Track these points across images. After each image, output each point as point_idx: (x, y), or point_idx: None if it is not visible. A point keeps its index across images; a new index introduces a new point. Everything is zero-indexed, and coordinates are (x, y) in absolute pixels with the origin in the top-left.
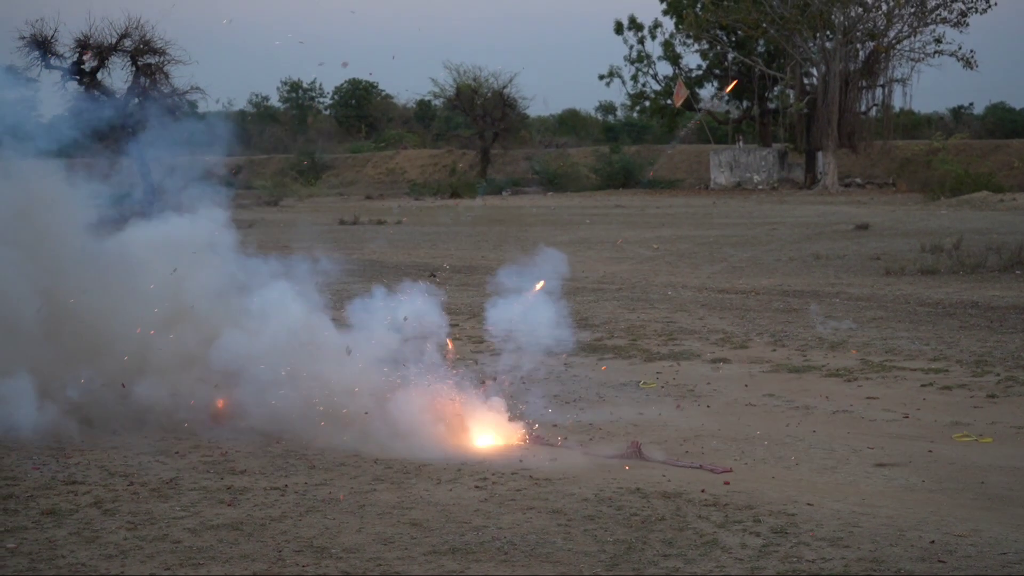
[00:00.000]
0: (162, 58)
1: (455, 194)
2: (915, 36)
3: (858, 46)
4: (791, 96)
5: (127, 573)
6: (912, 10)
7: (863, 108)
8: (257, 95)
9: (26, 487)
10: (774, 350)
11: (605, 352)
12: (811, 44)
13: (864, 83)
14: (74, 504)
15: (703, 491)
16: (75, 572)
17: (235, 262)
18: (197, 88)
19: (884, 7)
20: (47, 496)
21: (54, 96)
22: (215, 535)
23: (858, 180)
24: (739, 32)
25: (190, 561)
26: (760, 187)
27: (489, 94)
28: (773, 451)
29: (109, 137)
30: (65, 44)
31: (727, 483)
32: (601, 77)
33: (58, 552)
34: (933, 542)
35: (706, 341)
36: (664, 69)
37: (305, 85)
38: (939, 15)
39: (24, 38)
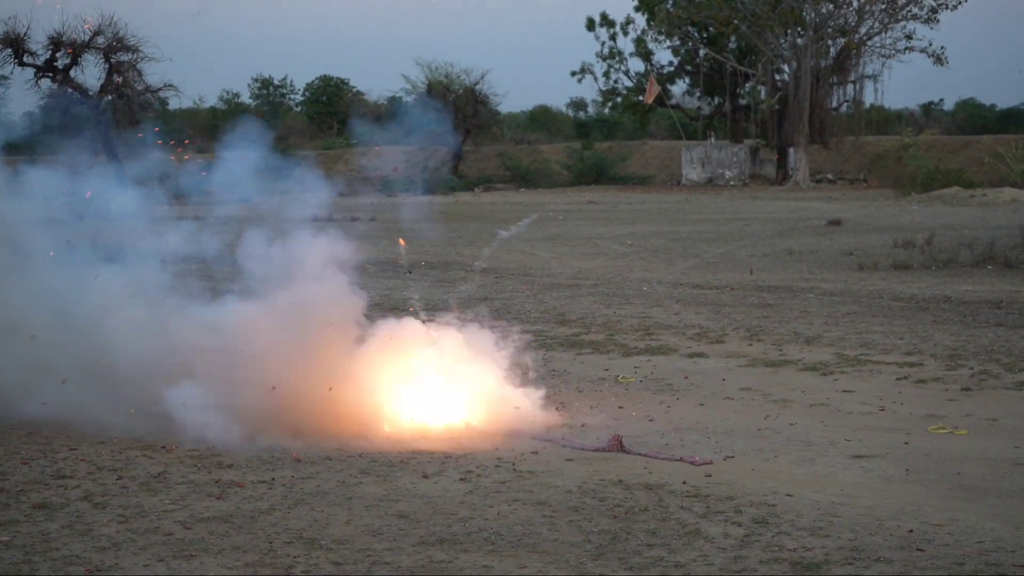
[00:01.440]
0: (135, 55)
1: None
2: (886, 32)
3: (829, 42)
4: (762, 92)
5: (121, 565)
6: (883, 6)
7: (834, 104)
8: (228, 92)
9: (16, 481)
10: (750, 344)
11: (583, 347)
12: (782, 40)
13: (835, 79)
14: (65, 498)
15: (685, 483)
16: (70, 564)
17: None
18: (170, 85)
19: (855, 3)
20: (37, 490)
21: (27, 94)
22: (206, 527)
23: (829, 176)
24: (711, 28)
25: (183, 553)
26: (732, 183)
27: (461, 91)
28: (752, 444)
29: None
30: (38, 42)
31: (708, 475)
32: (573, 73)
33: (52, 545)
34: (911, 531)
35: (683, 336)
36: (636, 65)
37: (276, 82)
38: (910, 11)
39: None
